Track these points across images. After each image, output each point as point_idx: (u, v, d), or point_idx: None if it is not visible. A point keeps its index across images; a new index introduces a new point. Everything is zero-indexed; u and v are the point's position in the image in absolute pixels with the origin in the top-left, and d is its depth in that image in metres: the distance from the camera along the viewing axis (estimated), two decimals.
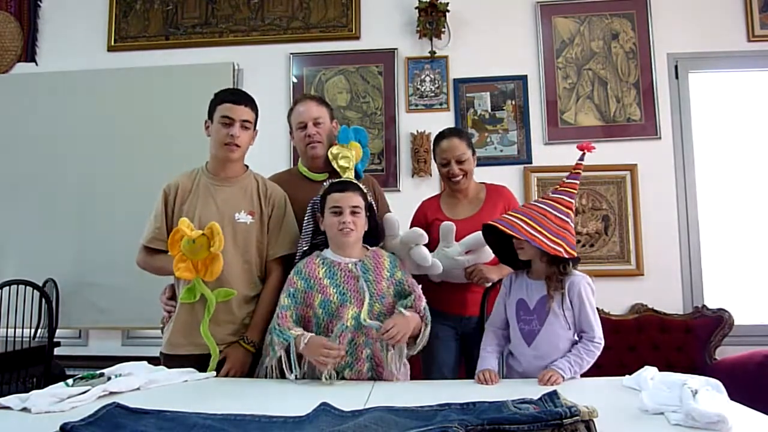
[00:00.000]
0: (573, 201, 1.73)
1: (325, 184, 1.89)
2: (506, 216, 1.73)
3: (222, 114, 1.92)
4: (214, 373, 1.79)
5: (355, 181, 1.90)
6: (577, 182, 1.76)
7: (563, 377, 1.57)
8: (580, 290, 1.68)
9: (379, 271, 1.78)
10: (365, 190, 1.86)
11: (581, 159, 1.77)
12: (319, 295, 1.73)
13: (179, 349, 1.86)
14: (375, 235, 1.93)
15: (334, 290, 1.73)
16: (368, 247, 1.87)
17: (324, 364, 1.60)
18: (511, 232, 1.65)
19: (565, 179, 1.77)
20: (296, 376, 1.65)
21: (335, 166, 2.00)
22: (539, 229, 1.64)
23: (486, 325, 1.85)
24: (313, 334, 1.67)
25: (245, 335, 1.88)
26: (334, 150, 2.04)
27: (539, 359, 1.65)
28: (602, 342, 1.67)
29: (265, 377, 1.74)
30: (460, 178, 2.15)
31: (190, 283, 1.81)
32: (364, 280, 1.74)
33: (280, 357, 1.66)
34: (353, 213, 1.76)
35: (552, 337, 1.66)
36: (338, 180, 1.89)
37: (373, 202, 1.91)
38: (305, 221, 1.91)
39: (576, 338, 1.70)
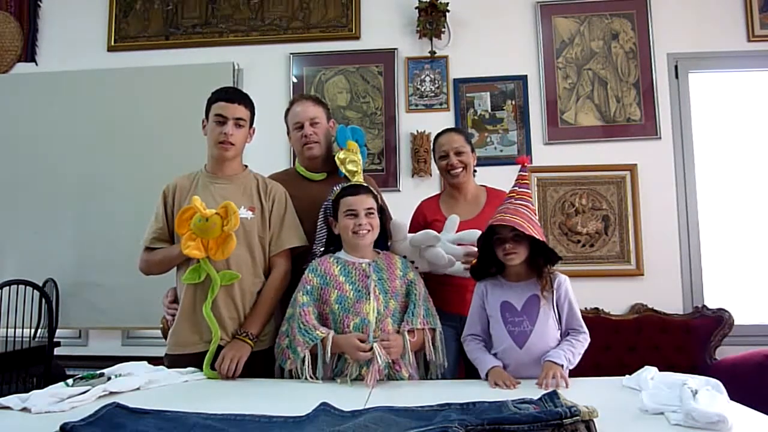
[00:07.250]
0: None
1: (335, 188, 1.89)
2: (514, 218, 1.63)
3: (215, 112, 1.91)
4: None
5: (366, 184, 1.91)
6: (529, 191, 1.74)
7: (561, 365, 1.57)
8: (567, 289, 1.71)
9: (392, 270, 1.81)
10: (375, 193, 1.87)
11: (524, 171, 1.75)
12: (335, 290, 1.75)
13: (188, 348, 1.83)
14: (384, 235, 1.94)
15: (350, 287, 1.75)
16: (379, 251, 1.89)
17: (360, 359, 1.63)
18: (530, 232, 1.60)
19: (518, 189, 1.72)
20: (321, 378, 1.66)
21: (343, 170, 1.97)
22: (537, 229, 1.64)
23: (464, 336, 1.80)
24: (340, 334, 1.68)
25: (242, 330, 1.82)
26: (341, 155, 2.00)
27: (531, 361, 1.63)
28: (589, 338, 1.69)
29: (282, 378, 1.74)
30: (459, 170, 2.16)
31: (196, 264, 1.78)
32: (378, 278, 1.76)
33: (303, 358, 1.66)
34: (368, 215, 1.79)
35: (544, 337, 1.66)
36: (350, 184, 1.89)
37: (383, 204, 1.93)
38: (318, 225, 1.91)
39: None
